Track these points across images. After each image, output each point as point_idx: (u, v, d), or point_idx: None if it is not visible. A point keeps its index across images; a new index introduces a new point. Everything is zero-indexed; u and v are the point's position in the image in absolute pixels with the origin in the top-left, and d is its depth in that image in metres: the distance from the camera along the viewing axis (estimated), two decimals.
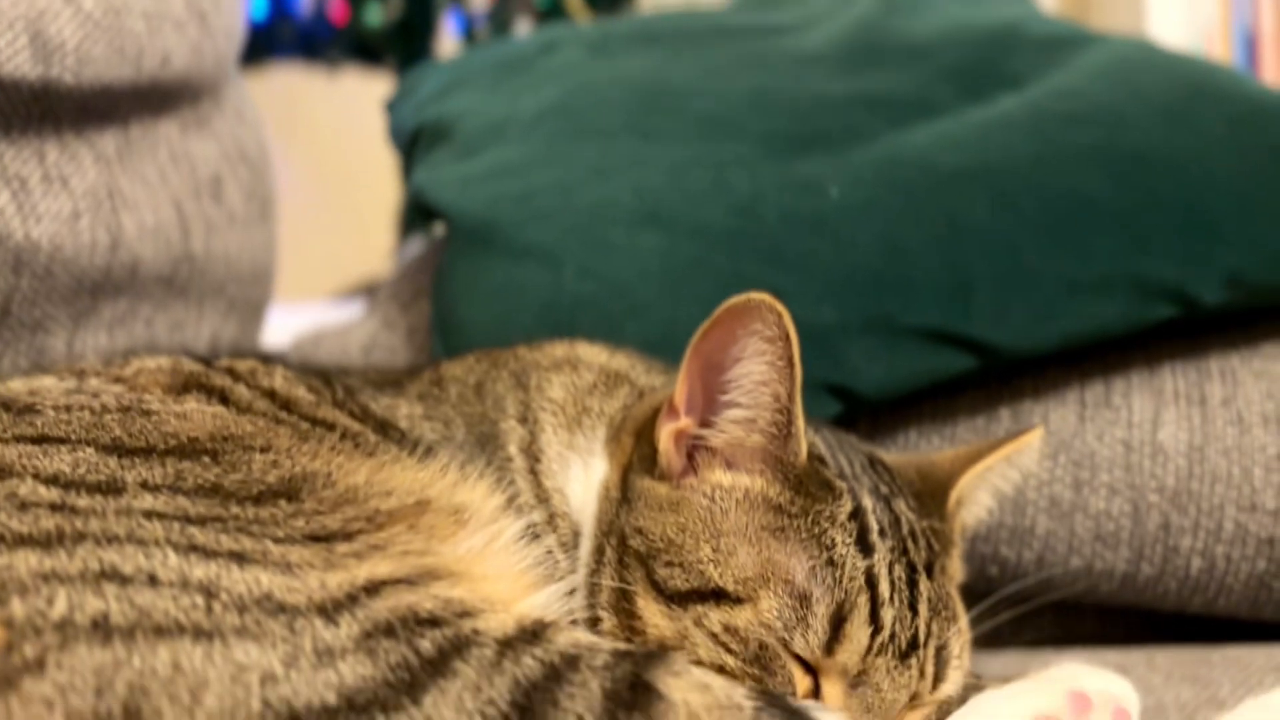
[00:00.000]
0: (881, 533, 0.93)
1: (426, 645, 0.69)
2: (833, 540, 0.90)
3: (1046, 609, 1.37)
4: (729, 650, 0.88)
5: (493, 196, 1.41)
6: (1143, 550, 1.27)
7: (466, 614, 0.74)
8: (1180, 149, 1.34)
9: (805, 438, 0.93)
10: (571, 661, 0.71)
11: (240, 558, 0.72)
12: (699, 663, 0.88)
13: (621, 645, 0.76)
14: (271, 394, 1.00)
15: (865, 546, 0.91)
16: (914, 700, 0.92)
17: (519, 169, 1.43)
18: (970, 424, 1.32)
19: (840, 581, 0.88)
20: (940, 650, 0.93)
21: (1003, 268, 1.26)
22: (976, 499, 1.06)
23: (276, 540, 0.75)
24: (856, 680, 0.89)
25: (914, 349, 1.25)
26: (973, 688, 1.02)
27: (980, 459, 1.03)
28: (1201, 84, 1.44)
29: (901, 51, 1.57)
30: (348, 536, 0.78)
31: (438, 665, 0.68)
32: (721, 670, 0.88)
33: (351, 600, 0.71)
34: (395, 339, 1.53)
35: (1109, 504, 1.27)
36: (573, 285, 1.30)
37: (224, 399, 0.96)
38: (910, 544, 0.94)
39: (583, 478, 1.00)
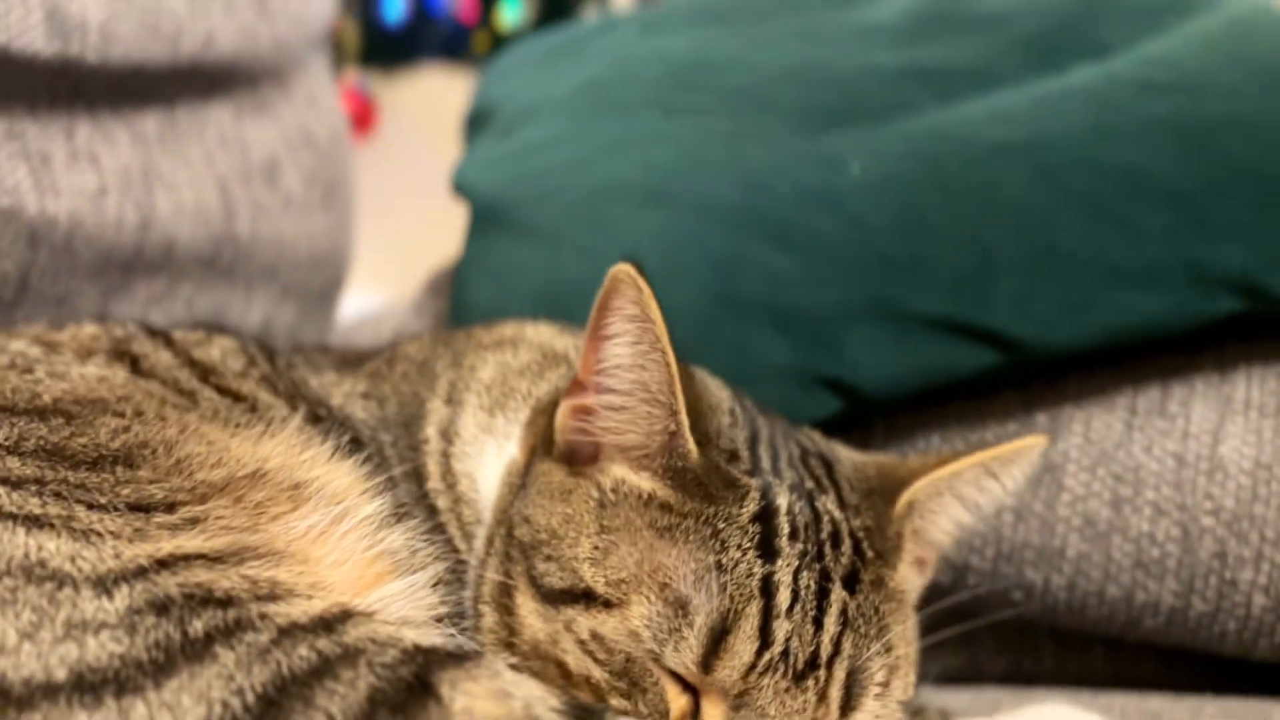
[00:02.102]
0: (793, 535, 0.81)
1: (197, 626, 0.65)
2: (724, 543, 0.79)
3: (1095, 644, 1.20)
4: (596, 660, 0.79)
5: (510, 177, 1.36)
6: (1193, 582, 1.09)
7: (271, 597, 0.70)
8: (1272, 118, 1.15)
9: (707, 430, 0.84)
10: (350, 656, 0.65)
11: (35, 521, 0.70)
12: (566, 674, 0.80)
13: (428, 643, 0.69)
14: (193, 363, 0.99)
15: (768, 551, 0.79)
16: None
17: (541, 148, 1.37)
18: (1001, 429, 1.16)
19: (725, 588, 0.77)
20: (856, 673, 0.80)
21: (1031, 250, 1.11)
22: (943, 508, 0.90)
23: (93, 506, 0.73)
24: (739, 702, 0.77)
25: (924, 340, 1.12)
26: None
27: (951, 462, 0.90)
28: None
29: (974, 20, 1.42)
30: (169, 507, 0.75)
31: (199, 648, 0.64)
32: (589, 683, 0.79)
33: (139, 574, 0.68)
34: (421, 324, 1.51)
35: (1154, 526, 1.09)
36: (569, 267, 1.23)
37: (134, 363, 0.95)
38: (828, 548, 0.82)
39: (496, 463, 0.93)
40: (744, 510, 0.81)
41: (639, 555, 0.79)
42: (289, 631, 0.66)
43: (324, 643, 0.66)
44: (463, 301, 1.34)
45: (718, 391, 0.92)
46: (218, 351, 1.02)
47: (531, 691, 0.67)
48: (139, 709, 0.60)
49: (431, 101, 3.39)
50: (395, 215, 2.62)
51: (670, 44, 1.48)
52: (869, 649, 0.81)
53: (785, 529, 0.81)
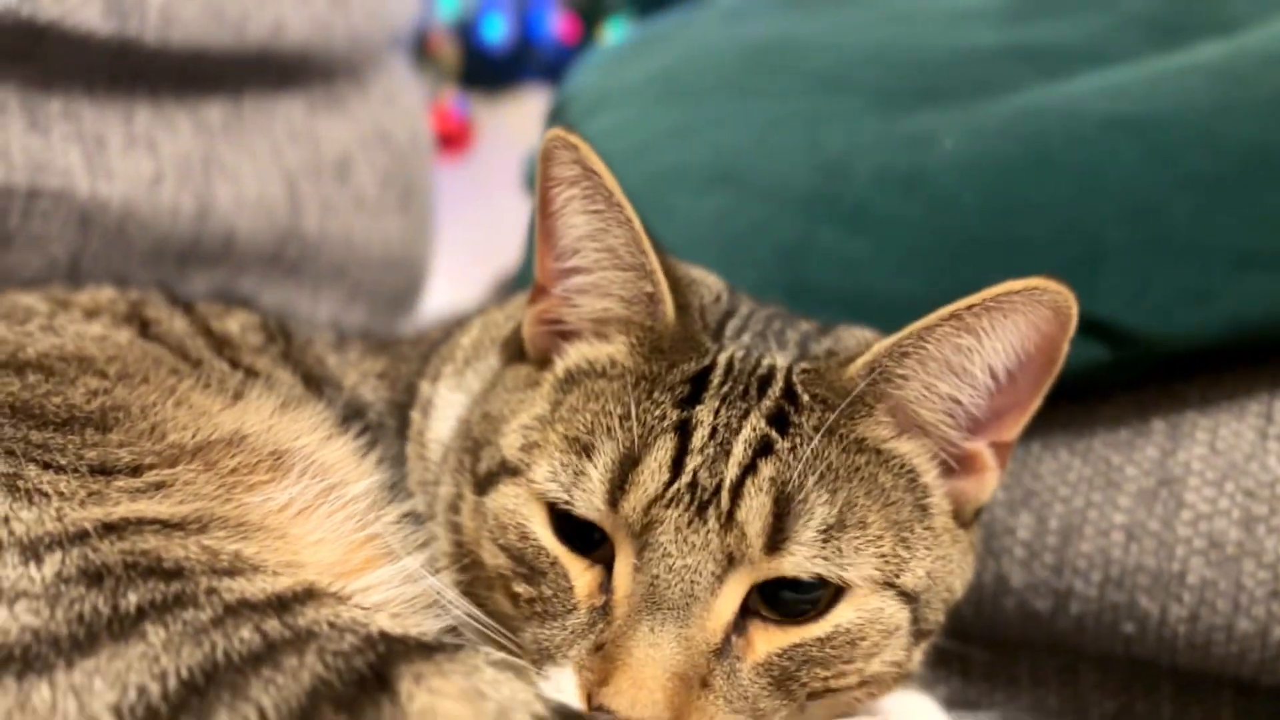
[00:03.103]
0: (723, 383, 0.75)
1: (131, 600, 0.58)
2: (649, 397, 0.74)
3: (1224, 689, 1.05)
4: (499, 545, 0.74)
5: None
6: None
7: (230, 571, 0.62)
8: None
9: (687, 300, 0.80)
10: (299, 641, 0.58)
11: None
12: (487, 575, 0.76)
13: (400, 631, 0.60)
14: (208, 332, 0.93)
15: (691, 399, 0.74)
16: (736, 565, 0.70)
17: (606, 135, 1.28)
18: (1111, 436, 1.03)
19: (632, 429, 0.72)
20: (785, 500, 0.70)
21: (1145, 233, 0.98)
22: (915, 373, 0.76)
23: (48, 466, 0.67)
24: (644, 541, 0.70)
25: None
26: None
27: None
28: None
29: None
30: (134, 470, 0.69)
31: (127, 625, 0.57)
32: (501, 578, 0.75)
33: (79, 538, 0.61)
34: None
35: None
36: None
37: (143, 327, 0.90)
38: (754, 390, 0.75)
39: (464, 403, 0.89)
40: (684, 370, 0.76)
41: (560, 418, 0.75)
42: (235, 610, 0.59)
43: (272, 624, 0.58)
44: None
45: (702, 273, 0.88)
46: (236, 325, 0.97)
47: (513, 694, 0.58)
48: (41, 692, 0.53)
49: (533, 124, 3.37)
50: (487, 234, 2.58)
51: (751, 30, 1.39)
52: (804, 479, 0.71)
53: (716, 381, 0.75)
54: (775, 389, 0.75)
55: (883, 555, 0.72)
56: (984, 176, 1.04)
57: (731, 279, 1.05)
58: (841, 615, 0.72)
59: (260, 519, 0.67)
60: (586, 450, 0.72)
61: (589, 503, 0.71)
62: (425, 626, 0.68)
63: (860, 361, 0.76)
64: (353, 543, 0.71)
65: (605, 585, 0.72)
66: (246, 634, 0.57)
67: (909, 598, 0.74)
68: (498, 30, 3.00)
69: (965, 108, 1.13)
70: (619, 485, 0.71)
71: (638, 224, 0.75)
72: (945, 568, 0.77)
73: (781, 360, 0.77)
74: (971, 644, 1.02)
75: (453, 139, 2.91)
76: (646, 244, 0.76)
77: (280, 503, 0.69)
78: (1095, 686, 1.08)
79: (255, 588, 0.61)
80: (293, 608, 0.60)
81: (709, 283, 0.87)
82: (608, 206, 0.76)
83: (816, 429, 0.73)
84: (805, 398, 0.75)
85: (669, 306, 0.77)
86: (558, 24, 3.03)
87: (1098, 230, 0.99)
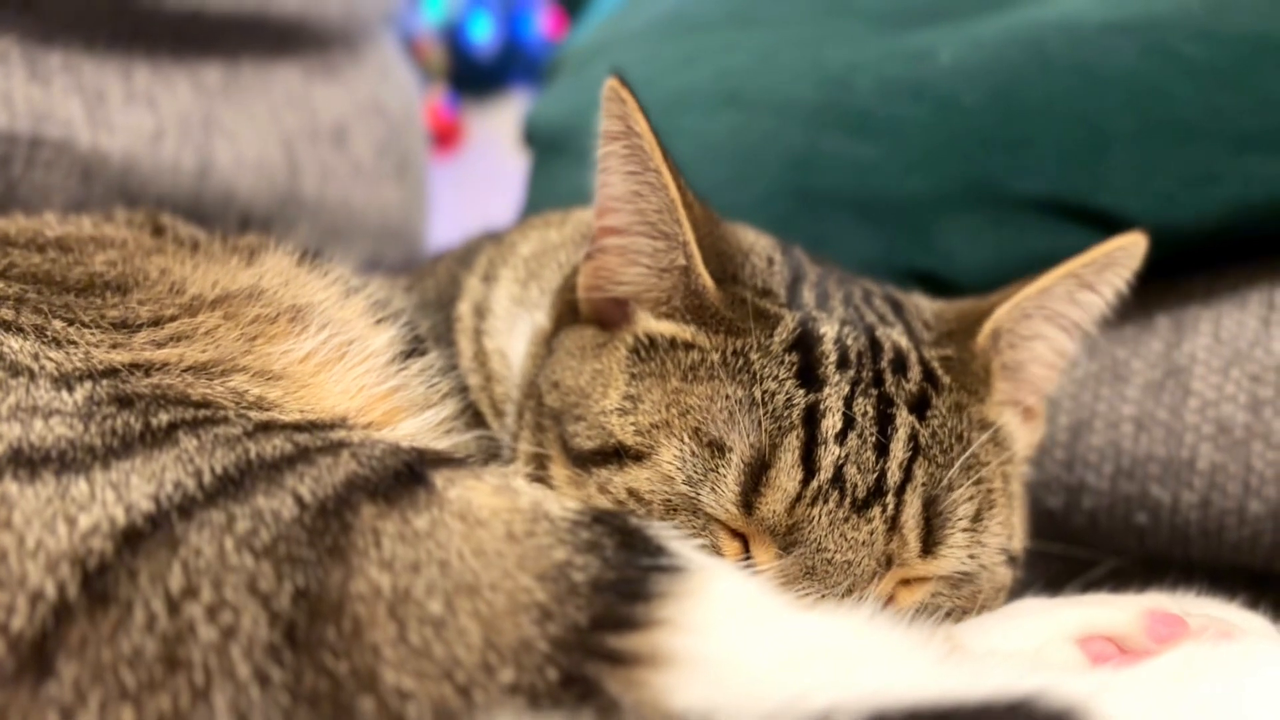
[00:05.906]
0: (843, 364, 0.72)
1: (162, 418, 0.58)
2: (757, 375, 0.70)
3: (1239, 580, 1.05)
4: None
5: (574, 106, 1.29)
6: None
7: (256, 407, 0.62)
8: None
9: (735, 271, 0.76)
10: (333, 447, 0.57)
11: (4, 325, 0.64)
12: None
13: (429, 448, 0.60)
14: (225, 240, 0.94)
15: (811, 380, 0.71)
16: (894, 566, 0.70)
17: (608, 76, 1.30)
18: (1115, 332, 1.04)
19: (761, 422, 0.68)
20: (935, 503, 0.69)
21: (1147, 122, 0.99)
22: (1036, 333, 0.79)
23: (72, 322, 0.67)
24: (791, 539, 0.68)
25: (1026, 225, 1.00)
26: None
27: (1036, 281, 0.78)
28: None
29: None
30: (156, 323, 0.69)
31: (159, 436, 0.57)
32: None
33: (109, 373, 0.62)
34: None
35: None
36: None
37: (157, 229, 0.91)
38: (889, 374, 0.72)
39: (528, 336, 0.86)
40: (775, 339, 0.73)
41: (668, 399, 0.71)
42: (266, 426, 0.58)
43: (305, 437, 0.58)
44: None
45: (755, 239, 0.84)
46: (254, 240, 0.97)
47: (545, 494, 0.58)
48: (79, 486, 0.53)
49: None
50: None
51: None
52: (950, 477, 0.70)
53: (832, 357, 0.72)
54: (913, 375, 0.73)
55: (1006, 533, 0.74)
56: (987, 80, 1.06)
57: (742, 189, 1.07)
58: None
59: (282, 369, 0.67)
60: (716, 447, 0.68)
61: (719, 505, 0.68)
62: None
63: (986, 330, 0.77)
64: (376, 394, 0.71)
65: (747, 558, 0.69)
66: (279, 442, 0.57)
67: (1014, 561, 0.77)
68: (484, 30, 3.02)
69: (963, 25, 1.14)
70: (752, 489, 0.68)
71: (674, 191, 0.72)
72: (1024, 510, 0.80)
73: (902, 340, 0.76)
74: None
75: (443, 136, 2.92)
76: (682, 214, 0.72)
77: (301, 353, 0.69)
78: (1109, 590, 1.08)
79: (285, 416, 0.61)
80: (324, 427, 0.60)
81: (759, 247, 0.82)
82: (643, 170, 0.73)
83: (952, 410, 0.73)
84: (946, 380, 0.74)
85: (706, 279, 0.74)
86: (544, 21, 3.05)
87: (1100, 123, 1.00)
